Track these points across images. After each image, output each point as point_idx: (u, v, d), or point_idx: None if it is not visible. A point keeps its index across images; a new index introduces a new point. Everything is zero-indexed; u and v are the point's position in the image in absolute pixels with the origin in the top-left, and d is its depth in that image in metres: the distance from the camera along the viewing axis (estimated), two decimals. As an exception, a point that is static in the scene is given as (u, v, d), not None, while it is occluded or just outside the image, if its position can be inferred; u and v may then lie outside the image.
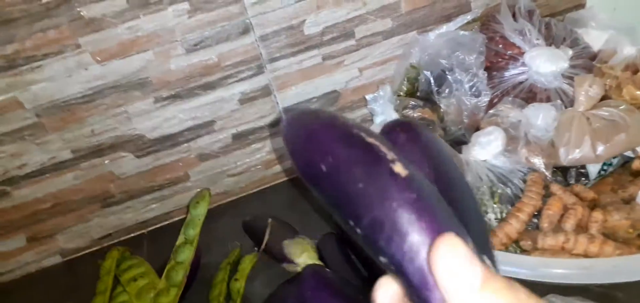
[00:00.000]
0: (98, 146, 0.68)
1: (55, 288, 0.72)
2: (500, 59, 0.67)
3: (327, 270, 0.56)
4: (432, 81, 0.69)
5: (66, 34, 0.59)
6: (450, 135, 0.68)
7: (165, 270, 0.61)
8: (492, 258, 0.21)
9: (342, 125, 0.22)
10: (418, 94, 0.72)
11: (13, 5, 0.56)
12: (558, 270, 0.49)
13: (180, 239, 0.64)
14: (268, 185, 0.80)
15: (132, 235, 0.78)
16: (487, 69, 0.67)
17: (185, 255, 0.63)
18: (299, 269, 0.58)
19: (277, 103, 0.73)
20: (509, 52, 0.66)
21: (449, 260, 0.18)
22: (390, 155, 0.20)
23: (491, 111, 0.63)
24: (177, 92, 0.67)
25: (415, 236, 0.18)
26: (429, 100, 0.69)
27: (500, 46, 0.67)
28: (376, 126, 0.71)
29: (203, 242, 0.66)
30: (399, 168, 0.20)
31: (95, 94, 0.64)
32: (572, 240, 0.51)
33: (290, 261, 0.59)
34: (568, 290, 0.48)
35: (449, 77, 0.67)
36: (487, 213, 0.55)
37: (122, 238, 0.78)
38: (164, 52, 0.64)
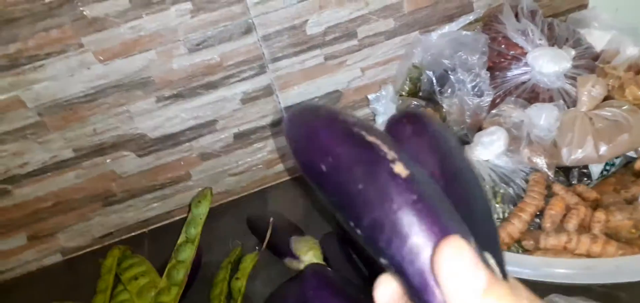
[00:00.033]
0: (100, 145, 0.68)
1: (56, 286, 0.72)
2: (502, 59, 0.67)
3: (329, 269, 0.56)
4: (434, 81, 0.69)
5: (69, 33, 0.59)
6: (452, 135, 0.68)
7: (167, 269, 0.61)
8: (499, 256, 0.21)
9: (343, 123, 0.21)
10: (420, 94, 0.72)
11: (16, 5, 0.56)
12: (560, 270, 0.49)
13: (182, 238, 0.64)
14: (269, 185, 0.80)
15: (133, 233, 0.78)
16: (489, 69, 0.67)
17: (187, 253, 0.63)
18: (301, 266, 0.58)
19: (279, 103, 0.73)
20: (511, 52, 0.66)
21: (453, 264, 0.17)
22: (390, 154, 0.20)
23: (494, 111, 0.63)
24: (179, 91, 0.67)
25: (415, 239, 0.18)
26: (431, 100, 0.69)
27: (503, 46, 0.67)
28: (378, 126, 0.71)
29: (204, 241, 0.66)
30: (399, 168, 0.19)
31: (98, 94, 0.64)
32: (574, 240, 0.51)
33: (296, 257, 0.58)
34: (570, 290, 0.48)
35: (451, 77, 0.67)
36: (489, 212, 0.55)
37: (123, 237, 0.78)
38: (167, 52, 0.64)
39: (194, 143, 0.73)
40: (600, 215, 0.52)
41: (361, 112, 0.79)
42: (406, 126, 0.24)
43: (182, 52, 0.64)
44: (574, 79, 0.63)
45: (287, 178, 0.81)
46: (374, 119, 0.74)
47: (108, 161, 0.70)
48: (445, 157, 0.23)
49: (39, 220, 0.72)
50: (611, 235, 0.52)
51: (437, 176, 0.22)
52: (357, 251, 0.59)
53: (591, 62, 0.67)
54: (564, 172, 0.61)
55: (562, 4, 0.79)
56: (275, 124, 0.75)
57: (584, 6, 0.80)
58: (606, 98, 0.62)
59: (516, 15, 0.68)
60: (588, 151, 0.57)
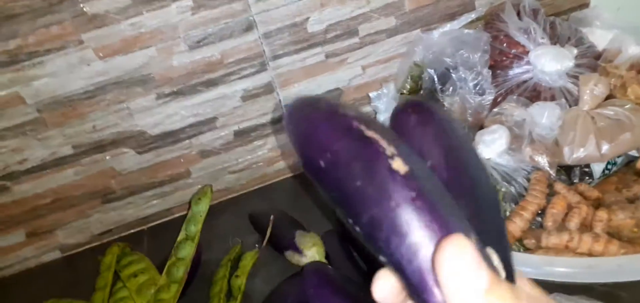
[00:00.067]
0: (99, 142, 0.68)
1: (55, 283, 0.72)
2: (504, 58, 0.67)
3: (329, 267, 0.55)
4: (435, 79, 0.68)
5: (69, 29, 0.59)
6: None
7: (166, 266, 0.61)
8: (505, 249, 0.20)
9: (342, 117, 0.21)
10: (422, 92, 0.72)
11: (16, 1, 0.56)
12: (562, 269, 0.49)
13: (182, 235, 0.64)
14: (270, 182, 0.80)
15: (133, 231, 0.78)
16: (491, 67, 0.67)
17: (187, 251, 0.62)
18: (303, 260, 0.58)
19: (280, 100, 0.73)
20: (513, 50, 0.66)
21: (455, 263, 0.17)
22: (389, 150, 0.19)
23: (495, 110, 0.63)
24: (179, 88, 0.67)
25: (414, 236, 0.18)
26: (432, 98, 0.69)
27: (505, 44, 0.67)
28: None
29: (204, 239, 0.66)
30: (398, 164, 0.19)
31: (97, 90, 0.64)
32: (576, 238, 0.51)
33: (299, 251, 0.58)
34: (572, 289, 0.48)
35: (453, 75, 0.66)
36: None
37: (122, 234, 0.78)
38: (167, 49, 0.63)
39: (194, 140, 0.72)
40: (602, 214, 0.52)
41: (362, 111, 0.78)
42: (411, 115, 0.23)
43: (183, 49, 0.64)
44: (576, 78, 0.63)
45: (288, 175, 0.80)
46: (375, 118, 0.74)
47: (107, 158, 0.70)
48: (451, 147, 0.23)
49: (38, 217, 0.72)
50: (613, 234, 0.52)
51: (442, 167, 0.22)
52: (357, 249, 0.59)
53: (593, 61, 0.67)
54: (566, 171, 0.60)
55: (564, 3, 0.78)
56: (276, 121, 0.75)
57: (585, 5, 0.79)
58: (608, 97, 0.62)
59: (518, 14, 0.68)
60: (590, 150, 0.57)
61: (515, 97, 0.63)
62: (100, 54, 0.61)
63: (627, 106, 0.59)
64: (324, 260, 0.57)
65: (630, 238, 0.51)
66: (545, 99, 0.63)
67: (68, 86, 0.62)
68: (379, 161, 0.19)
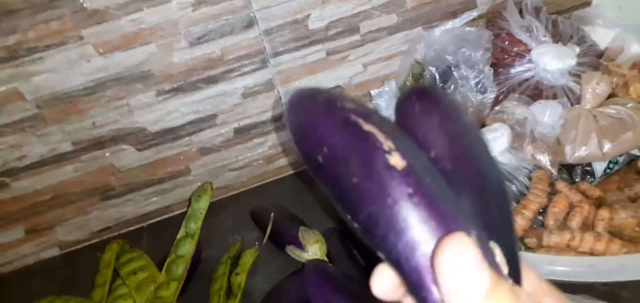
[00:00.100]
0: (99, 139, 0.68)
1: (54, 280, 0.71)
2: (506, 56, 0.66)
3: (330, 265, 0.55)
4: (437, 77, 0.68)
5: (69, 25, 0.58)
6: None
7: (166, 264, 0.60)
8: (511, 243, 0.20)
9: (340, 110, 0.20)
10: (422, 90, 0.71)
11: (16, -4, 0.55)
12: (563, 268, 0.49)
13: (182, 232, 0.64)
14: (270, 180, 0.80)
15: (132, 228, 0.78)
16: (493, 65, 0.66)
17: (186, 248, 0.62)
18: (304, 256, 0.57)
19: (280, 98, 0.73)
20: (515, 49, 0.66)
21: (456, 263, 0.17)
22: (387, 144, 0.19)
23: (497, 108, 0.63)
24: (179, 85, 0.67)
25: (411, 234, 0.18)
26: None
27: (507, 42, 0.66)
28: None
29: (204, 236, 0.66)
30: (395, 159, 0.19)
31: (97, 87, 0.64)
32: (577, 237, 0.50)
33: (301, 247, 0.58)
34: (573, 288, 0.47)
35: (454, 73, 0.66)
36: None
37: (122, 231, 0.77)
38: (167, 45, 0.63)
39: (194, 137, 0.72)
40: (603, 213, 0.52)
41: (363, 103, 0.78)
42: (415, 103, 0.22)
43: (183, 46, 0.64)
44: (578, 76, 0.63)
45: (288, 173, 0.80)
46: (375, 110, 0.74)
47: (107, 154, 0.70)
48: (456, 136, 0.22)
49: (37, 213, 0.72)
50: (615, 233, 0.52)
51: (446, 156, 0.21)
52: (358, 247, 0.59)
53: (595, 59, 0.67)
54: (568, 170, 0.60)
55: (566, 1, 0.78)
56: (276, 119, 0.74)
57: (588, 3, 0.79)
58: (610, 96, 0.62)
59: (520, 12, 0.68)
60: (592, 149, 0.57)
61: (517, 95, 0.63)
62: (100, 50, 0.61)
63: (629, 105, 0.58)
64: (325, 258, 0.57)
65: (632, 237, 0.51)
66: (547, 98, 0.62)
67: (68, 82, 0.62)
68: (376, 157, 0.19)
